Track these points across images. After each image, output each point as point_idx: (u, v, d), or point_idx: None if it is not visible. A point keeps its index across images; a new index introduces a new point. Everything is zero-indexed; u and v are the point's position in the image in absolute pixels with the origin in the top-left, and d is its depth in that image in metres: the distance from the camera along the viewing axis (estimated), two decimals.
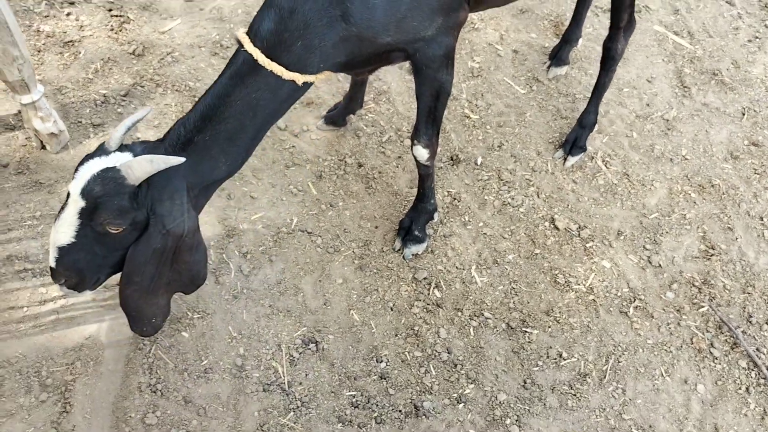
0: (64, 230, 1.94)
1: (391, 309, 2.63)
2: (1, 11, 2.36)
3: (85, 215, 1.92)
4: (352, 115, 3.13)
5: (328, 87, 3.28)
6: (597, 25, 3.71)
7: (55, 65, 3.17)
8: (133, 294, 2.06)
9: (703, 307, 2.71)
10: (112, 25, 3.36)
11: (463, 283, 2.72)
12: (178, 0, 3.53)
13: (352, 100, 3.05)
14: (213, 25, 3.43)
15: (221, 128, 2.05)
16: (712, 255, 2.84)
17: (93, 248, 1.99)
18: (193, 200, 2.08)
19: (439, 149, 3.09)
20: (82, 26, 3.35)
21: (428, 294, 2.68)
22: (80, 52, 3.23)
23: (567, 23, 3.65)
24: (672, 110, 3.35)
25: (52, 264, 2.00)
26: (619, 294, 2.73)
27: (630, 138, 3.23)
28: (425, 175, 2.66)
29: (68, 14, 3.38)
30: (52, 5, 3.40)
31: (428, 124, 2.44)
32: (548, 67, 3.48)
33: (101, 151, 1.98)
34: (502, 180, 3.05)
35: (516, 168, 3.10)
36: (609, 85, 3.06)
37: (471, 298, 2.67)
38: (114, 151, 1.97)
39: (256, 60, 2.02)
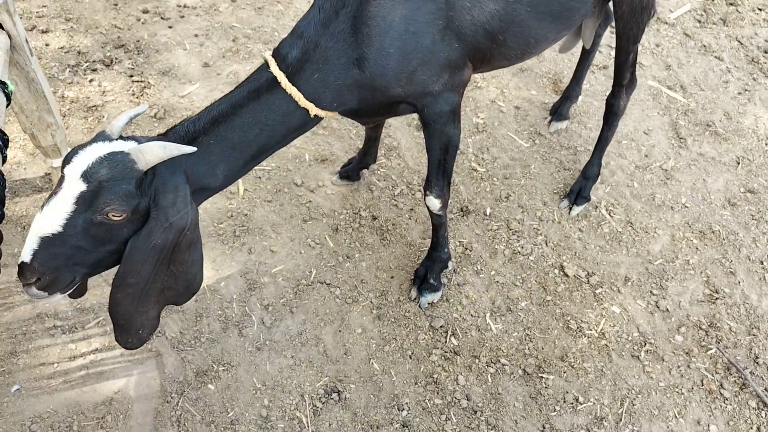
0: (53, 218, 1.80)
1: (410, 357, 2.71)
2: (39, 82, 2.52)
3: (84, 201, 1.81)
4: (365, 170, 3.27)
5: (341, 144, 3.43)
6: (594, 82, 3.90)
7: (79, 129, 3.31)
8: (126, 298, 1.96)
9: (711, 349, 2.80)
10: (133, 90, 3.52)
11: (479, 330, 2.80)
12: (197, 65, 3.71)
13: (366, 155, 3.19)
14: (230, 88, 3.58)
15: (227, 135, 2.08)
16: (716, 299, 2.95)
17: (79, 241, 1.85)
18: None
19: (449, 200, 3.23)
20: (104, 92, 3.51)
21: (445, 342, 2.76)
22: (104, 116, 3.38)
23: (564, 80, 3.85)
24: (670, 160, 3.50)
25: (27, 258, 1.81)
26: (630, 338, 2.82)
27: (631, 188, 3.38)
28: (438, 225, 2.78)
29: (91, 80, 3.54)
30: (75, 72, 3.57)
31: (439, 175, 2.57)
32: (549, 122, 3.64)
33: (102, 137, 1.93)
34: (511, 229, 3.17)
35: (524, 218, 3.22)
36: (611, 139, 3.21)
37: (487, 345, 2.76)
38: (116, 140, 1.93)
39: (279, 82, 2.12)
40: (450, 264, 2.91)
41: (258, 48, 3.86)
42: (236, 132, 2.10)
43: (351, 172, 3.24)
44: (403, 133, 3.53)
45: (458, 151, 3.44)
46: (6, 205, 1.97)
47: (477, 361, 2.71)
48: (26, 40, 2.44)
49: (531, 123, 3.66)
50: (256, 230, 3.02)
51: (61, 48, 3.69)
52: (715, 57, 4.08)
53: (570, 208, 3.25)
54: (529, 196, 3.32)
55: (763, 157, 3.55)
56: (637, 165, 3.48)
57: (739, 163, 3.52)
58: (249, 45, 3.86)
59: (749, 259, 3.11)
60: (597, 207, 3.28)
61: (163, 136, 2.05)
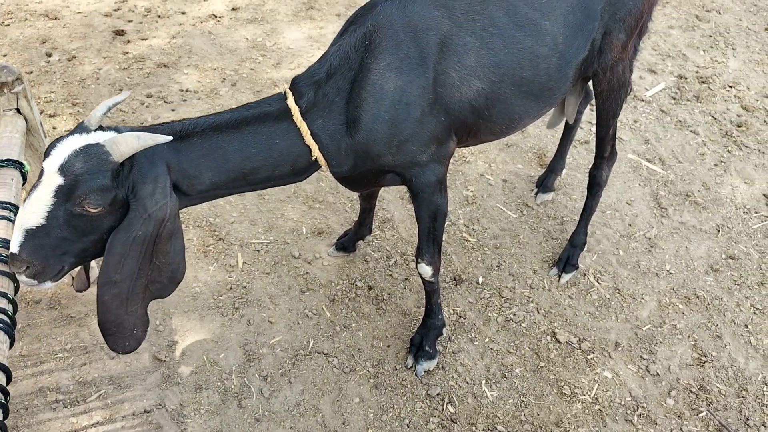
0: (35, 210, 1.87)
1: (408, 426, 2.74)
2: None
3: (62, 194, 1.87)
4: (361, 242, 3.39)
5: (337, 217, 3.56)
6: (576, 156, 4.09)
7: None
8: (113, 301, 1.97)
9: (702, 412, 2.85)
10: None
11: (475, 397, 2.85)
12: None
13: (361, 227, 3.31)
14: None
15: (223, 145, 2.13)
16: (705, 362, 3.02)
17: (63, 232, 1.91)
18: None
19: (442, 271, 3.33)
20: None
21: (442, 410, 2.80)
22: None
23: (548, 155, 4.04)
24: (653, 229, 3.65)
25: (15, 249, 1.88)
26: (622, 403, 2.87)
27: (617, 255, 3.50)
28: (431, 292, 2.87)
29: None
30: None
31: (429, 243, 2.68)
32: (536, 194, 3.80)
33: (81, 129, 1.96)
34: (503, 297, 3.26)
35: (515, 286, 3.32)
36: (595, 208, 3.36)
37: (483, 412, 2.80)
38: (95, 130, 1.96)
39: (291, 114, 2.24)
40: (445, 331, 2.98)
41: None
42: (233, 145, 2.16)
43: (347, 243, 3.36)
44: (396, 206, 3.67)
45: (450, 223, 3.59)
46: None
47: (474, 428, 2.74)
48: (41, 123, 2.59)
49: (518, 195, 3.82)
50: (254, 302, 3.10)
51: (68, 131, 3.86)
52: (691, 131, 4.30)
53: (559, 276, 3.36)
54: (519, 264, 3.43)
55: (741, 225, 3.70)
56: (621, 234, 3.62)
57: (719, 231, 3.66)
58: None
59: (734, 323, 3.20)
60: (585, 274, 3.39)
61: (153, 128, 2.07)
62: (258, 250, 3.34)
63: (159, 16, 4.96)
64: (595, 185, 3.28)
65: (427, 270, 2.75)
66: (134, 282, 2.00)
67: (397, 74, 2.27)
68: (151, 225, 1.95)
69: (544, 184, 3.79)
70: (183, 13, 5.03)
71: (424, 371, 2.91)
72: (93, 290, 3.05)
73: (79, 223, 1.91)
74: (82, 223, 1.92)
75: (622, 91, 2.91)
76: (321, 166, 2.38)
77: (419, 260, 2.73)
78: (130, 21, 4.86)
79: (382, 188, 3.70)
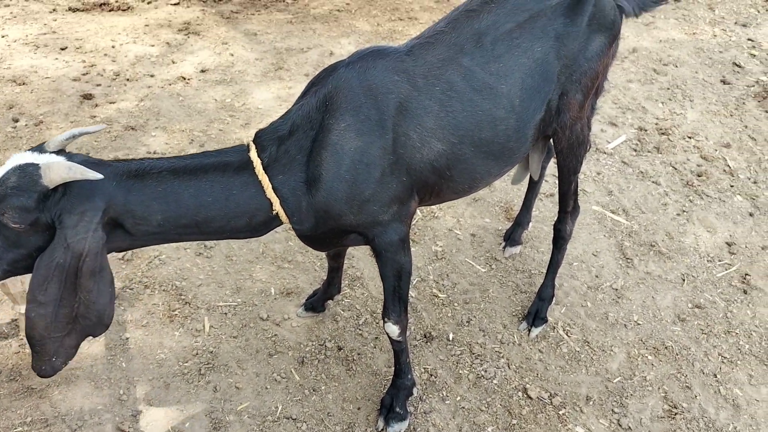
0: None
1: None
2: None
3: None
4: (330, 301, 3.37)
5: (306, 277, 3.55)
6: (542, 208, 4.15)
7: None
8: (38, 320, 2.01)
9: None
10: None
11: None
12: None
13: (330, 286, 3.30)
14: None
15: (178, 190, 2.16)
16: (675, 414, 3.02)
17: None
18: (110, 232, 2.07)
19: (412, 328, 3.32)
20: None
21: None
22: None
23: (515, 208, 4.09)
24: (619, 280, 3.68)
25: None
26: None
27: (585, 307, 3.52)
28: (399, 351, 2.85)
29: None
30: None
31: (395, 302, 2.68)
32: (504, 248, 3.84)
33: (38, 148, 2.04)
34: (474, 354, 3.24)
35: (486, 341, 3.31)
36: (562, 262, 3.39)
37: None
38: (51, 152, 2.03)
39: (253, 166, 2.26)
40: (415, 391, 2.95)
41: None
42: (189, 191, 2.18)
43: (316, 303, 3.34)
44: (366, 264, 3.67)
45: (420, 279, 3.59)
46: None
47: None
48: None
49: (487, 249, 3.85)
50: (221, 367, 3.05)
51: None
52: (653, 182, 4.40)
53: (529, 330, 3.36)
54: (489, 319, 3.43)
55: (706, 274, 3.76)
56: (589, 285, 3.65)
57: (684, 280, 3.71)
58: None
59: (703, 373, 3.21)
60: (554, 327, 3.40)
61: (108, 163, 2.13)
62: (225, 313, 3.30)
63: (128, 80, 5.00)
64: (560, 239, 3.32)
65: (394, 329, 2.74)
66: (58, 308, 2.04)
67: (357, 135, 2.32)
68: (69, 256, 1.98)
69: (511, 237, 3.83)
70: (152, 76, 5.08)
71: None
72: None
73: (6, 233, 2.00)
74: (10, 235, 2.01)
75: (582, 148, 2.98)
76: (281, 223, 2.40)
77: (386, 320, 2.72)
78: (98, 85, 4.90)
79: (351, 246, 3.71)
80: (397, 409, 2.87)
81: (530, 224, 3.86)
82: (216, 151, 2.36)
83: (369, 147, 2.33)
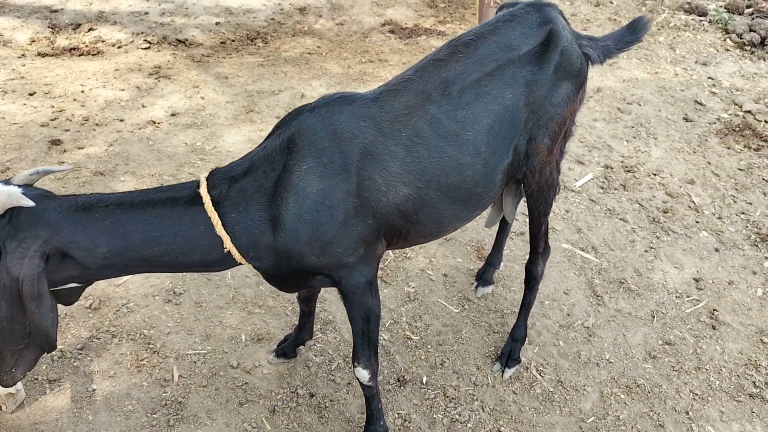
0: None
1: None
2: None
3: None
4: (302, 347, 3.33)
5: (278, 322, 3.51)
6: (513, 247, 4.18)
7: None
8: None
9: None
10: None
11: None
12: None
13: (302, 331, 3.27)
14: (166, 275, 3.69)
15: (124, 224, 2.22)
16: None
17: None
18: (54, 261, 2.17)
19: (386, 372, 3.29)
20: None
21: None
22: None
23: (486, 248, 4.12)
24: (590, 318, 3.71)
25: None
26: None
27: (558, 347, 3.53)
28: (370, 396, 2.83)
29: None
30: None
31: (365, 345, 2.68)
32: (476, 288, 3.85)
33: (3, 181, 2.20)
34: (448, 397, 3.22)
35: (459, 384, 3.29)
36: (534, 302, 3.41)
37: None
38: (13, 185, 2.17)
39: (202, 202, 2.29)
40: None
41: None
42: (135, 225, 2.23)
43: (287, 349, 3.30)
44: (338, 307, 3.65)
45: (393, 321, 3.58)
46: None
47: None
48: None
49: (459, 289, 3.85)
50: (190, 418, 2.98)
51: None
52: (620, 219, 4.47)
53: (502, 371, 3.36)
54: (462, 361, 3.42)
55: (675, 310, 3.80)
56: (560, 324, 3.66)
57: (654, 317, 3.75)
58: None
59: (675, 410, 3.23)
60: (528, 368, 3.40)
61: (63, 197, 2.23)
62: (195, 362, 3.25)
63: (97, 124, 4.98)
64: (532, 279, 3.34)
65: (364, 374, 2.72)
66: (12, 324, 2.16)
67: (319, 178, 2.35)
68: (8, 279, 2.09)
69: (483, 277, 3.85)
70: (121, 120, 5.07)
71: None
72: (19, 414, 2.90)
73: None
74: None
75: (551, 191, 3.03)
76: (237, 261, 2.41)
77: (356, 364, 2.71)
78: (67, 130, 4.87)
79: (323, 289, 3.69)
80: None
81: (501, 264, 3.89)
82: (167, 187, 2.40)
83: (331, 190, 2.36)
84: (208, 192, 2.32)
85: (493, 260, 3.84)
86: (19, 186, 2.18)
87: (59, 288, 2.30)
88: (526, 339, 3.44)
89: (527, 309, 3.40)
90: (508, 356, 3.37)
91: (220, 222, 2.30)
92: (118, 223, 2.21)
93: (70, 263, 2.20)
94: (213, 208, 2.30)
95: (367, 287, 2.55)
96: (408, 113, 2.51)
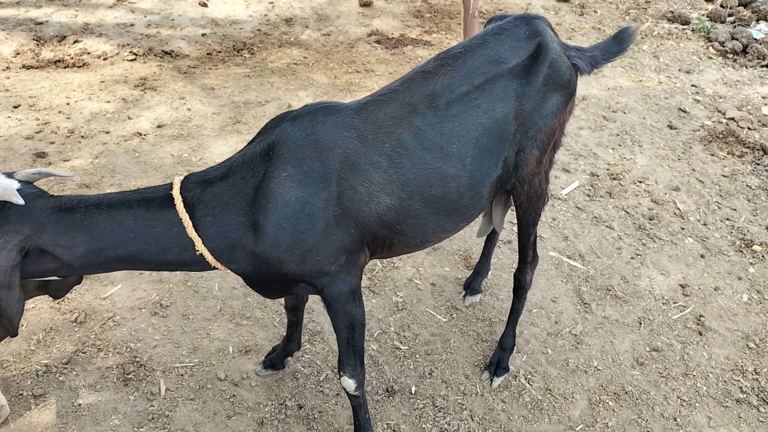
0: None
1: None
2: None
3: None
4: (290, 358, 3.32)
5: (266, 333, 3.49)
6: (501, 256, 4.19)
7: None
8: None
9: None
10: None
11: None
12: None
13: (290, 342, 3.26)
14: (153, 287, 3.67)
15: (101, 224, 2.30)
16: None
17: None
18: (33, 255, 2.26)
19: (374, 382, 3.29)
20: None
21: None
22: (22, 325, 3.36)
23: (474, 257, 4.12)
24: (578, 325, 3.72)
25: None
26: None
27: (546, 354, 3.54)
28: (357, 406, 2.83)
29: None
30: None
31: (350, 355, 2.68)
32: (464, 297, 3.85)
33: (7, 174, 2.28)
34: (436, 407, 3.22)
35: (448, 393, 3.29)
36: (522, 310, 3.42)
37: None
38: (14, 179, 2.26)
39: (175, 204, 2.33)
40: None
41: None
42: (111, 226, 2.31)
43: (276, 360, 3.28)
44: (326, 317, 3.64)
45: (381, 331, 3.57)
46: None
47: None
48: None
49: (447, 298, 3.86)
50: (178, 431, 2.96)
51: None
52: (607, 226, 4.49)
53: (491, 380, 3.36)
54: (451, 370, 3.42)
55: (662, 316, 3.82)
56: (548, 332, 3.67)
57: (641, 324, 3.77)
58: None
59: (663, 417, 3.24)
60: (516, 376, 3.40)
61: (48, 197, 2.31)
62: (182, 375, 3.22)
63: (82, 137, 4.96)
64: (520, 288, 3.35)
65: (350, 383, 2.71)
66: None
67: (298, 185, 2.36)
68: None
69: (471, 286, 3.85)
70: (107, 132, 5.05)
71: None
72: (4, 430, 2.87)
73: None
74: None
75: (540, 201, 3.04)
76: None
77: (342, 373, 2.71)
78: (52, 143, 4.84)
79: (311, 299, 3.68)
80: None
81: (489, 273, 3.90)
82: (145, 188, 2.45)
83: (311, 198, 2.37)
84: (182, 194, 2.35)
85: (480, 269, 3.85)
86: (19, 182, 2.26)
87: (42, 279, 2.46)
88: (515, 348, 3.44)
89: (515, 318, 3.41)
90: (497, 365, 3.37)
91: (191, 224, 2.34)
92: (95, 223, 2.29)
93: (49, 258, 2.29)
94: (184, 210, 2.33)
95: (350, 296, 2.55)
96: (392, 124, 2.52)
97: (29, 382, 3.09)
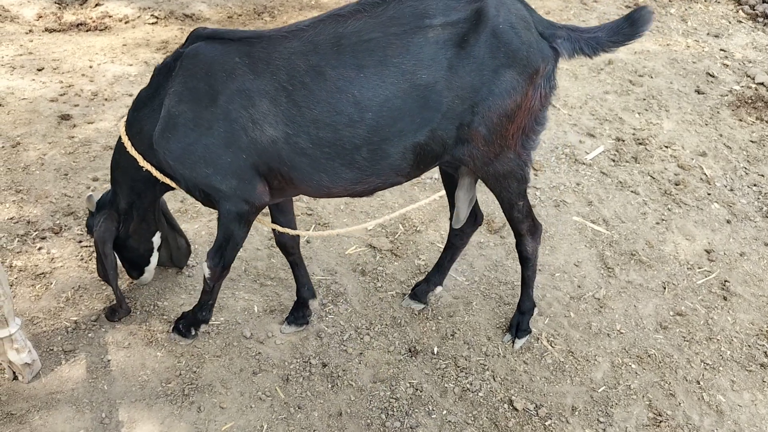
0: None
1: None
2: None
3: None
4: (310, 310, 3.32)
5: (290, 293, 3.53)
6: None
7: (27, 297, 3.33)
8: None
9: None
10: (82, 255, 3.60)
11: None
12: None
13: (301, 289, 3.33)
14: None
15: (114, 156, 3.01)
16: (660, 422, 3.04)
17: None
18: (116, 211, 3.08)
19: (397, 342, 3.32)
20: (53, 258, 3.57)
21: None
22: (51, 283, 3.42)
23: (497, 221, 4.11)
24: (601, 290, 3.71)
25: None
26: None
27: (568, 318, 3.54)
28: (206, 290, 3.07)
29: (40, 248, 3.62)
30: (24, 242, 3.65)
31: (217, 254, 2.91)
32: (404, 298, 3.59)
33: None
34: (459, 367, 3.24)
35: (470, 354, 3.31)
36: (534, 277, 3.30)
37: None
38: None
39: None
40: (202, 327, 3.20)
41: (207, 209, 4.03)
42: (113, 157, 3.02)
43: (297, 315, 3.32)
44: (349, 279, 3.67)
45: (403, 293, 3.58)
46: None
47: None
48: None
49: (469, 262, 3.86)
50: (205, 387, 3.02)
51: (11, 219, 3.79)
52: (632, 191, 4.45)
53: (513, 342, 3.37)
54: (473, 332, 3.43)
55: (686, 281, 3.80)
56: (571, 296, 3.67)
57: (665, 288, 3.75)
58: (197, 205, 4.03)
59: (686, 380, 3.24)
60: (539, 338, 3.41)
61: None
62: (208, 332, 3.27)
63: (106, 99, 4.98)
64: (525, 259, 3.22)
65: (207, 271, 2.97)
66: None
67: (181, 101, 2.62)
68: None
69: (414, 292, 3.57)
70: (130, 95, 5.06)
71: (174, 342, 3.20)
72: (35, 384, 2.94)
73: None
74: None
75: (511, 181, 2.85)
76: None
77: (206, 260, 2.94)
78: (76, 105, 4.87)
79: (333, 261, 3.70)
80: (181, 328, 3.18)
81: (440, 287, 3.56)
82: None
83: (193, 113, 2.60)
84: (126, 121, 2.89)
85: (431, 277, 3.55)
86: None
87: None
88: (536, 310, 3.44)
89: (528, 284, 3.31)
90: (517, 327, 3.38)
91: (128, 140, 2.84)
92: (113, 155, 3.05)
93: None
94: (124, 131, 2.87)
95: (236, 217, 2.77)
96: (289, 58, 2.54)
97: (59, 338, 3.15)
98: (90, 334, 3.19)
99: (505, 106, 2.62)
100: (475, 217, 3.36)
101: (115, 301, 3.26)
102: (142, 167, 2.86)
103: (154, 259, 3.35)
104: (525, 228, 3.10)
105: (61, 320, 3.24)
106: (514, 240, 3.17)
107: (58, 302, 3.33)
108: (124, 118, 2.88)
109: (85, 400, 2.92)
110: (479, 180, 3.00)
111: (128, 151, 2.85)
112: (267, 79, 2.53)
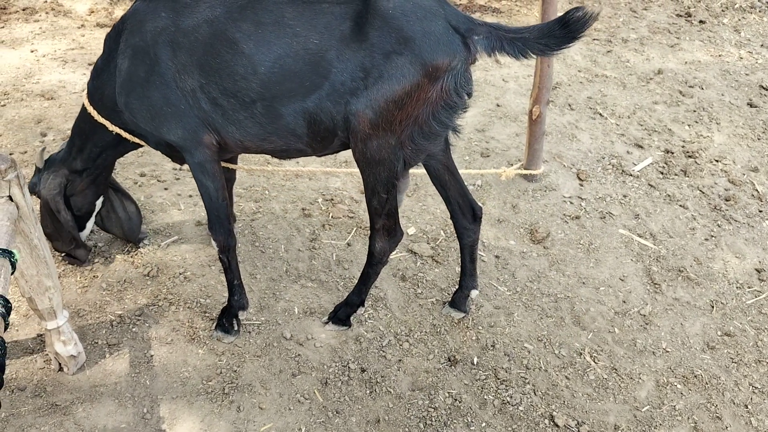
0: None
1: None
2: (42, 248, 2.63)
3: None
4: (353, 320, 3.32)
5: (330, 296, 3.52)
6: (568, 231, 4.10)
7: (73, 289, 3.39)
8: None
9: None
10: (128, 250, 3.65)
11: None
12: (190, 224, 3.88)
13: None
14: None
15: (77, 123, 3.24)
16: None
17: None
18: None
19: (436, 351, 3.29)
20: (99, 252, 3.63)
21: None
22: (97, 276, 3.47)
23: (540, 230, 4.05)
24: (647, 306, 3.63)
25: None
26: None
27: (612, 333, 3.47)
28: (225, 270, 3.17)
29: (87, 240, 3.67)
30: None
31: (211, 219, 3.05)
32: (444, 306, 3.54)
33: None
34: (499, 379, 3.20)
35: (511, 366, 3.26)
36: (375, 278, 3.26)
37: None
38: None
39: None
40: (241, 314, 3.24)
41: (250, 206, 4.06)
42: (75, 127, 3.26)
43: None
44: (389, 284, 3.65)
45: (444, 300, 3.55)
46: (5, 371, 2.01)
47: None
48: (32, 209, 2.59)
49: (511, 271, 3.81)
50: (244, 387, 3.03)
51: None
52: (680, 205, 4.34)
53: (325, 323, 3.34)
54: (514, 344, 3.39)
55: (735, 301, 3.69)
56: (616, 311, 3.59)
57: (713, 307, 3.65)
58: (241, 204, 4.06)
59: (734, 403, 3.15)
60: (581, 353, 3.35)
61: None
62: (249, 332, 3.29)
63: None
64: (369, 254, 3.14)
65: (214, 244, 3.10)
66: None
67: (125, 57, 2.84)
68: None
69: (453, 300, 3.53)
70: None
71: (218, 339, 3.23)
72: (80, 376, 2.99)
73: None
74: None
75: (380, 168, 2.78)
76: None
77: (210, 233, 3.09)
78: None
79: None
80: (224, 322, 3.22)
81: (475, 291, 3.48)
82: None
83: (136, 68, 2.80)
84: (86, 93, 3.11)
85: (462, 283, 3.48)
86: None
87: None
88: (360, 307, 3.32)
89: (364, 281, 3.26)
90: (335, 312, 3.35)
91: (95, 111, 3.07)
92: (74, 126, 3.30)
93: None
94: (89, 104, 3.09)
95: (199, 167, 2.92)
96: (203, 12, 2.71)
97: (104, 332, 3.20)
98: (134, 329, 3.23)
99: (393, 92, 2.61)
100: (473, 211, 3.31)
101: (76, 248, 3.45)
102: (109, 132, 3.10)
103: (90, 224, 3.51)
104: (380, 224, 2.99)
105: (107, 314, 3.29)
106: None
107: (104, 296, 3.38)
108: (85, 90, 3.12)
109: (128, 394, 2.95)
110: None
111: (93, 119, 3.08)
112: (186, 32, 2.72)
